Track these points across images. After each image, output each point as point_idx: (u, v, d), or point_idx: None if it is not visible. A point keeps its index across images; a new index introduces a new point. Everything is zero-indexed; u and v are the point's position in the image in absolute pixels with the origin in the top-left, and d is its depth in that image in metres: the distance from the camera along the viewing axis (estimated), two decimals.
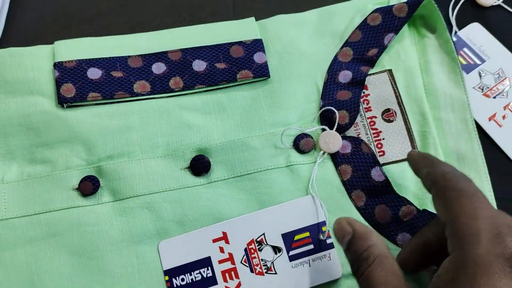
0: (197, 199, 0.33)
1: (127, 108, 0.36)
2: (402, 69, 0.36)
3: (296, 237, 0.32)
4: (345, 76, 0.36)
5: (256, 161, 0.34)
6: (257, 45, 0.37)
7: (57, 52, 0.37)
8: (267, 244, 0.32)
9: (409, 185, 0.33)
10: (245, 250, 0.32)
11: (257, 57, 0.37)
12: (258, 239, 0.32)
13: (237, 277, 0.31)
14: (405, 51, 0.37)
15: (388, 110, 0.35)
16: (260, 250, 0.32)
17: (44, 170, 0.34)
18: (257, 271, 0.31)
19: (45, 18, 0.42)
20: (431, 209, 0.32)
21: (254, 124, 0.35)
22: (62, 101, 0.35)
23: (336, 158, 0.34)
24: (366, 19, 0.37)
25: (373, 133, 0.35)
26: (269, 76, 0.36)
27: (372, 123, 0.35)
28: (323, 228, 0.32)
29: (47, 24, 0.42)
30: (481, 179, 0.33)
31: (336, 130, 0.34)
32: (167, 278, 0.32)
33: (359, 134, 0.35)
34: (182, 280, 0.32)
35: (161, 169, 0.34)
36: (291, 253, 0.32)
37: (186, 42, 0.37)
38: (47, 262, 0.32)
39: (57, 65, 0.36)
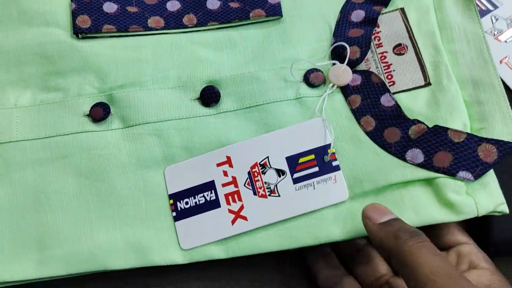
0: (205, 128, 0.33)
1: (141, 41, 0.36)
2: (415, 7, 0.36)
3: (301, 160, 0.32)
4: (357, 15, 0.36)
5: (265, 93, 0.34)
6: None
7: None
8: (270, 167, 0.32)
9: (420, 109, 0.33)
10: (249, 173, 0.32)
11: None
12: (261, 162, 0.32)
13: (240, 199, 0.31)
14: None
15: (399, 44, 0.35)
16: (263, 173, 0.32)
17: (57, 97, 0.35)
18: (260, 194, 0.31)
19: None
20: None
21: (264, 59, 0.35)
22: (78, 31, 0.36)
23: (346, 90, 0.34)
24: None
25: (384, 66, 0.35)
26: (281, 16, 0.37)
27: (382, 57, 0.35)
28: (329, 151, 0.32)
29: None
30: (499, 100, 0.32)
31: (346, 65, 0.34)
32: (171, 201, 0.32)
33: (369, 68, 0.35)
34: (186, 203, 0.32)
35: (171, 98, 0.34)
36: (295, 175, 0.32)
37: None
38: (55, 182, 0.32)
39: None
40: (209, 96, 0.34)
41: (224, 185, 0.32)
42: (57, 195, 0.32)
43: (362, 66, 0.35)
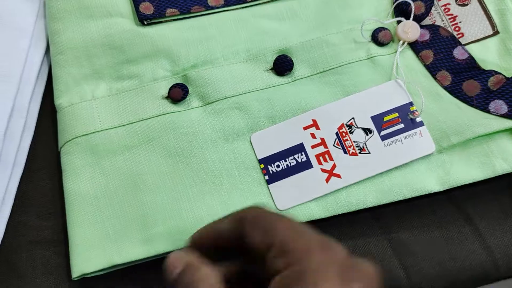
0: (284, 96, 0.34)
1: (204, 21, 0.37)
2: None
3: (385, 118, 0.33)
4: None
5: (337, 56, 0.35)
6: None
7: None
8: (357, 127, 0.33)
9: (493, 60, 0.34)
10: (336, 134, 0.33)
11: None
12: (348, 123, 0.33)
13: (331, 159, 0.32)
14: None
15: None
16: (351, 132, 0.33)
17: (132, 84, 0.35)
18: (350, 152, 0.32)
19: None
20: None
21: (329, 24, 0.36)
22: (142, 18, 0.36)
23: (416, 46, 0.35)
24: None
25: (449, 19, 0.35)
26: None
27: (446, 10, 0.36)
28: (411, 108, 0.33)
29: None
30: None
31: (413, 21, 0.35)
32: (262, 166, 0.33)
33: (434, 22, 0.36)
34: (278, 166, 0.33)
35: (245, 72, 0.35)
36: (382, 133, 0.33)
37: None
38: (147, 164, 0.33)
39: None
40: (283, 65, 0.35)
41: (313, 146, 0.33)
42: (152, 176, 0.33)
43: (427, 21, 0.36)
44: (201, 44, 0.36)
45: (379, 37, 0.35)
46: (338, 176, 0.32)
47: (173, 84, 0.35)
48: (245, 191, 0.33)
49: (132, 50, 0.36)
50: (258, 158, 0.33)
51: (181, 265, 0.23)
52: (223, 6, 0.37)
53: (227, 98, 0.34)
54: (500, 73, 0.33)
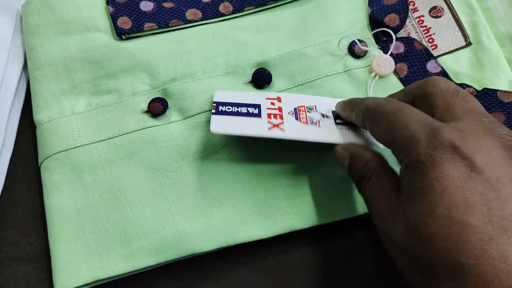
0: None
1: (183, 35, 0.37)
2: None
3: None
4: None
5: (315, 69, 0.36)
6: None
7: None
8: (316, 111, 0.33)
9: (466, 71, 0.35)
10: (295, 109, 0.32)
11: None
12: (309, 106, 0.33)
13: (281, 118, 0.32)
14: None
15: (434, 7, 0.36)
16: (309, 111, 0.32)
17: (112, 99, 0.36)
18: (301, 121, 0.32)
19: None
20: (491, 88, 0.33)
21: (307, 36, 0.37)
22: (120, 32, 0.36)
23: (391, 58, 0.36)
24: None
25: (423, 31, 0.36)
26: None
27: (420, 22, 0.36)
28: None
29: None
30: None
31: (387, 33, 0.35)
32: (214, 105, 0.32)
33: (409, 34, 0.36)
34: (228, 108, 0.32)
35: (224, 85, 0.35)
36: (338, 121, 0.32)
37: None
38: (128, 179, 0.33)
39: (110, 2, 0.37)
40: (262, 78, 0.35)
41: (269, 108, 0.32)
42: (133, 190, 0.33)
43: (402, 33, 0.36)
44: (180, 58, 0.36)
45: (355, 50, 0.36)
46: (282, 129, 0.31)
47: (153, 99, 0.35)
48: (227, 206, 0.33)
49: (111, 64, 0.36)
50: (214, 101, 0.32)
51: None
52: (201, 19, 0.38)
53: (206, 111, 0.35)
54: (471, 87, 0.34)
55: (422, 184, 0.22)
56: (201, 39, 0.37)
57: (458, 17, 0.36)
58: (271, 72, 0.36)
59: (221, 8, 0.38)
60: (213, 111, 0.32)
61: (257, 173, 0.34)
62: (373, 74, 0.35)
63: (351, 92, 0.35)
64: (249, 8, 0.38)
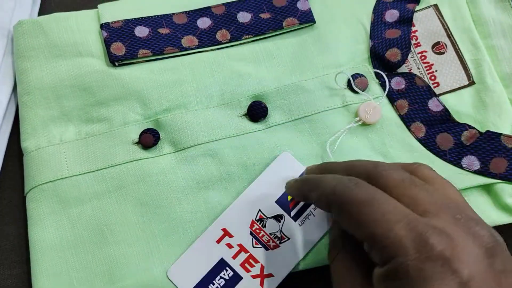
0: (258, 143, 0.34)
1: (178, 63, 0.36)
2: (448, 2, 0.36)
3: (289, 197, 0.32)
4: (392, 15, 0.36)
5: (312, 103, 0.34)
6: None
7: (102, 14, 0.37)
8: (267, 217, 0.32)
9: (467, 111, 0.34)
10: (251, 233, 0.31)
11: (301, 5, 0.37)
12: (257, 218, 0.32)
13: (256, 261, 0.31)
14: None
15: (438, 43, 0.35)
16: (264, 226, 0.32)
17: (102, 128, 0.34)
18: (272, 246, 0.31)
19: None
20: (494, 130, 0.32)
21: (305, 68, 0.36)
22: (114, 59, 0.35)
23: (392, 94, 0.35)
24: None
25: (425, 67, 0.35)
26: (314, 22, 0.37)
27: (423, 57, 0.35)
28: None
29: None
30: None
31: (388, 68, 0.34)
32: None
33: (410, 70, 0.35)
34: None
35: (218, 117, 0.34)
36: (292, 213, 0.32)
37: None
38: (115, 214, 0.32)
39: (104, 26, 0.36)
40: (257, 112, 0.34)
41: (234, 256, 0.31)
42: (120, 226, 0.32)
43: (403, 68, 0.35)
44: (174, 87, 0.35)
45: (355, 84, 0.35)
46: (270, 275, 0.31)
47: (144, 130, 0.34)
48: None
49: (102, 92, 0.35)
50: None
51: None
52: (197, 47, 0.36)
53: (199, 144, 0.34)
54: (473, 128, 0.33)
55: None
56: (196, 68, 0.36)
57: (462, 55, 0.35)
58: (267, 105, 0.34)
59: (219, 36, 0.37)
60: None
61: None
62: (357, 118, 0.34)
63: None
64: (247, 36, 0.37)
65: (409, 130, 0.34)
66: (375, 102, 0.34)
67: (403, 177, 0.23)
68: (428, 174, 0.24)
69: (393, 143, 0.33)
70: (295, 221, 0.32)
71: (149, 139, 0.34)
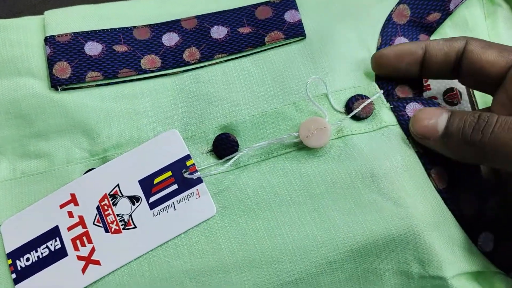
0: (227, 190, 0.27)
1: (135, 89, 0.30)
2: None
3: (156, 180, 0.27)
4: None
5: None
6: (288, 3, 0.31)
7: (48, 24, 0.31)
8: (122, 196, 0.27)
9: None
10: (98, 208, 0.27)
11: (289, 16, 0.31)
12: (111, 193, 0.27)
13: (90, 241, 0.27)
14: (474, 20, 0.31)
15: (451, 89, 0.29)
16: (114, 204, 0.27)
17: (41, 166, 0.29)
18: (113, 230, 0.27)
19: None
20: None
21: (291, 89, 0.29)
22: (56, 84, 0.29)
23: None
24: None
25: None
26: (304, 36, 0.30)
27: None
28: (187, 163, 0.27)
29: None
30: None
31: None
32: (10, 261, 0.27)
33: None
34: (27, 260, 0.27)
35: None
36: (151, 199, 0.27)
37: (203, 8, 0.31)
38: None
39: (49, 40, 0.30)
40: (224, 147, 0.28)
41: (70, 228, 0.27)
42: None
43: None
44: (129, 119, 0.29)
45: (353, 107, 0.28)
46: (96, 262, 0.26)
47: (90, 169, 0.28)
48: None
49: (41, 121, 0.29)
50: (6, 252, 0.27)
51: None
52: (160, 69, 0.30)
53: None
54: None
55: None
56: (157, 95, 0.30)
57: (477, 107, 0.28)
58: (238, 139, 0.28)
59: (186, 55, 0.30)
60: (14, 276, 0.27)
61: None
62: (296, 133, 0.27)
63: (344, 170, 0.27)
64: (219, 56, 0.30)
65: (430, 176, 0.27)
66: (328, 121, 0.27)
67: None
68: None
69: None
70: (151, 209, 0.27)
71: None
